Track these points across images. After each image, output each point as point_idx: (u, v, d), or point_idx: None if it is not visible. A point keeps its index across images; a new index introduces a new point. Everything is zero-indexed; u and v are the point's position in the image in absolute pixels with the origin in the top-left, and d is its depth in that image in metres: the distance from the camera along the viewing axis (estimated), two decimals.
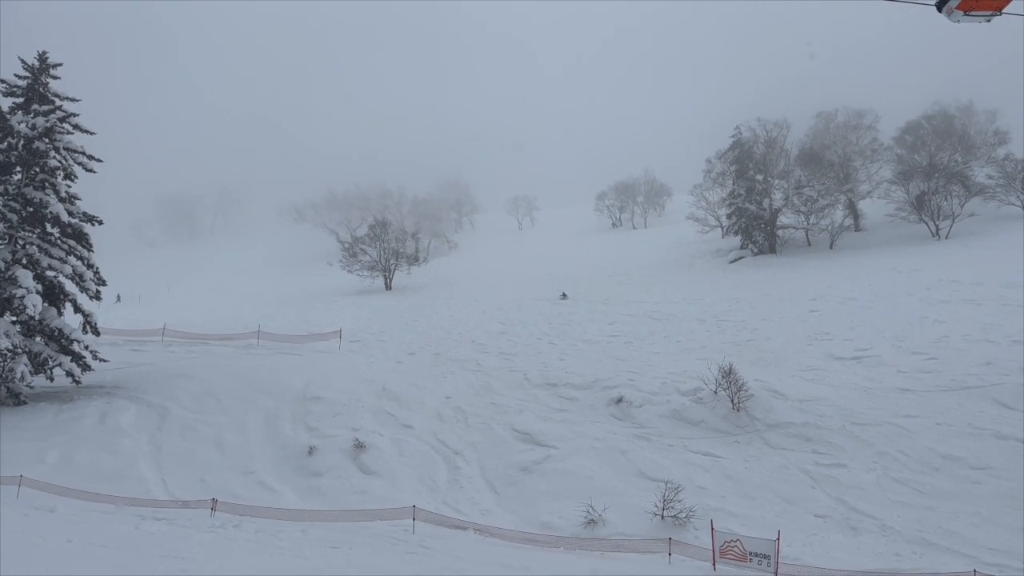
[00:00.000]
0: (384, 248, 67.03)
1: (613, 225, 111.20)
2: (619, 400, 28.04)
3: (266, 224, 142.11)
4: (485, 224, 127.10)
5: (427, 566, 16.18)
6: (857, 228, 65.39)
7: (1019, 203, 59.31)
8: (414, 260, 73.67)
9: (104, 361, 31.75)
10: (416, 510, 19.83)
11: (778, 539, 17.09)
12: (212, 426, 27.04)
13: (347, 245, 73.59)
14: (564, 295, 51.23)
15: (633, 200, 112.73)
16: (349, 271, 67.16)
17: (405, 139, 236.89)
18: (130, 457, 24.81)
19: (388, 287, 65.73)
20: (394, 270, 66.87)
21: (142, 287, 76.65)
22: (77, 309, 31.12)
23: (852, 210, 65.82)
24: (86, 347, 30.74)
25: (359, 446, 24.88)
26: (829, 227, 61.89)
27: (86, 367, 30.53)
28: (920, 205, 59.52)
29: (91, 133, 31.71)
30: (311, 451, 24.92)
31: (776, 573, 16.66)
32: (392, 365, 34.54)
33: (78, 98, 31.59)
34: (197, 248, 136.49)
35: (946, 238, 56.55)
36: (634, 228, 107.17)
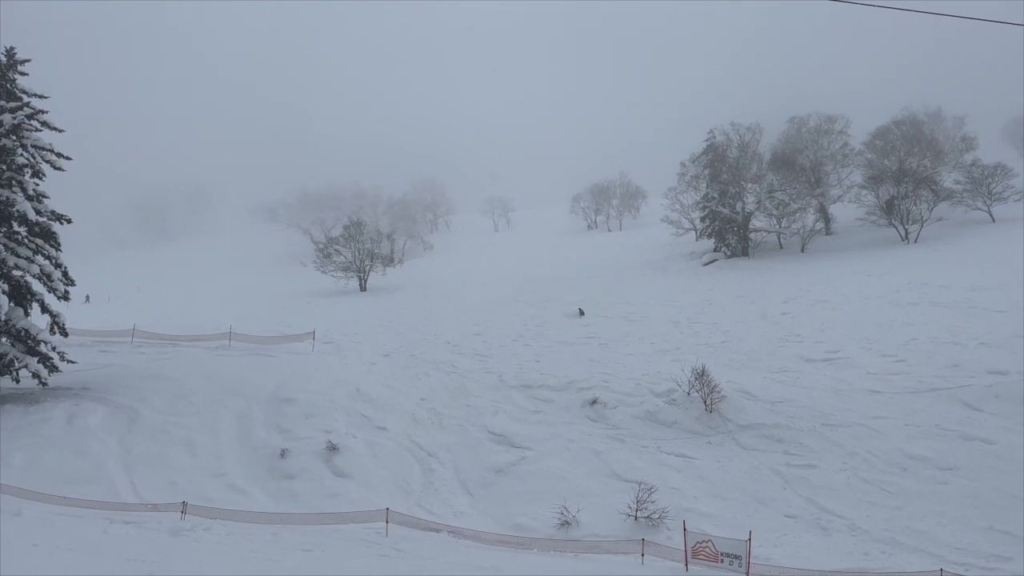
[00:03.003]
0: (359, 249, 66.62)
1: (588, 227, 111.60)
2: (594, 401, 28.13)
3: (238, 224, 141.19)
4: (461, 225, 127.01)
5: (400, 568, 16.12)
6: (828, 232, 66.29)
7: (985, 208, 60.53)
8: (389, 261, 73.43)
9: (72, 362, 31.21)
10: (390, 512, 19.71)
11: (749, 539, 17.23)
12: (183, 428, 26.67)
13: (321, 246, 73.12)
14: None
15: (608, 202, 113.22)
16: (323, 272, 66.63)
17: (379, 139, 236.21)
18: (99, 459, 24.39)
19: (363, 288, 65.38)
20: (369, 271, 66.48)
21: (112, 287, 75.47)
22: (44, 309, 30.53)
23: (823, 214, 66.73)
24: (53, 348, 30.16)
25: (332, 448, 24.70)
26: (801, 230, 62.61)
27: (53, 368, 29.95)
28: (890, 209, 60.47)
29: (59, 131, 31.11)
30: (283, 453, 24.69)
31: (747, 573, 16.81)
32: (366, 367, 34.33)
33: (47, 95, 30.99)
34: (168, 248, 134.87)
35: (915, 242, 57.50)
36: (609, 230, 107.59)
